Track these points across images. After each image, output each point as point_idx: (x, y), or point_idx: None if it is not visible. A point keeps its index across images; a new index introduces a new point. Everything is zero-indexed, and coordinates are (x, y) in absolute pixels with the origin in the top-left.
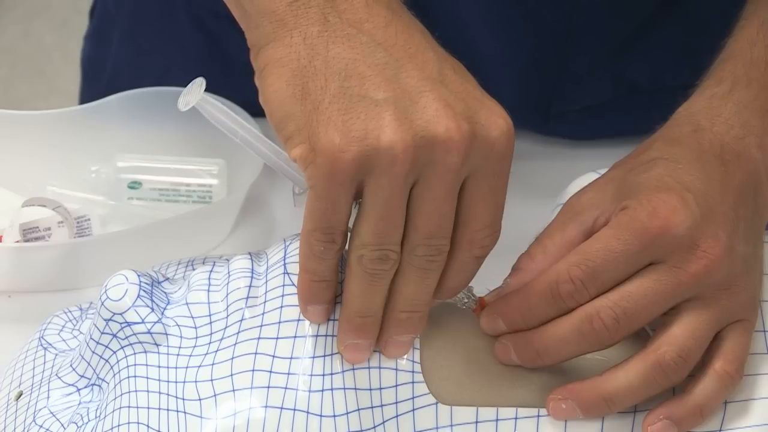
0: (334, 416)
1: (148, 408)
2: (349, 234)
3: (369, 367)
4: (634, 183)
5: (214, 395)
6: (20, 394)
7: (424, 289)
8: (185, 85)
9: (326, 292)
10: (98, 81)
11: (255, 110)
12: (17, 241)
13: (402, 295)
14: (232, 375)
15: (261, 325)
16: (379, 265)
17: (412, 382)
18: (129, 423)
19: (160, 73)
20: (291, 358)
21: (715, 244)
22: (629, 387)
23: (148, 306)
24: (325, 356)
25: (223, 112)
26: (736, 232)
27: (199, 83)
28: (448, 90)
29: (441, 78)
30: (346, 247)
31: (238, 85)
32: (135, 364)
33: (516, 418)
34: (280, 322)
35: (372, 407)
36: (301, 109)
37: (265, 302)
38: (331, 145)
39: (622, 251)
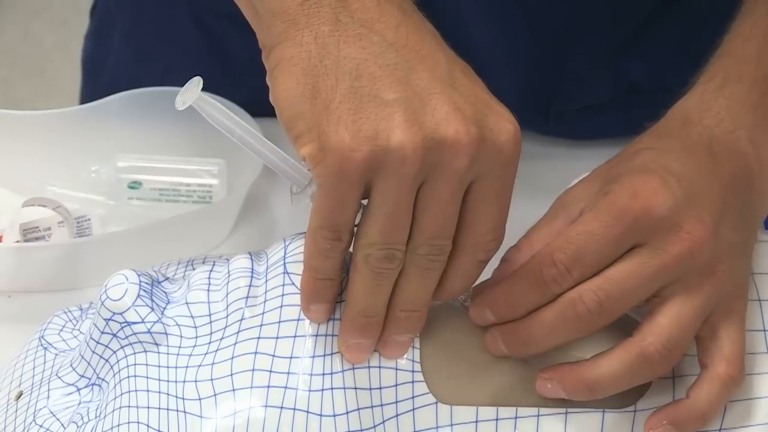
0: (334, 416)
1: (148, 407)
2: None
3: (369, 367)
4: (618, 171)
5: (214, 395)
6: (20, 394)
7: (425, 289)
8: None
9: (329, 290)
10: (99, 80)
11: (255, 110)
12: (17, 241)
13: (403, 293)
14: (232, 374)
15: (261, 325)
16: (386, 264)
17: (412, 382)
18: (129, 422)
19: (161, 73)
20: (291, 357)
21: (699, 225)
22: (612, 375)
23: (148, 305)
24: (324, 355)
25: (220, 111)
26: (724, 219)
27: (197, 82)
28: (458, 93)
29: (451, 80)
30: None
31: (238, 85)
32: (135, 364)
33: (516, 418)
34: (280, 322)
35: (372, 407)
36: (311, 108)
37: (265, 302)
38: (341, 145)
39: (604, 233)
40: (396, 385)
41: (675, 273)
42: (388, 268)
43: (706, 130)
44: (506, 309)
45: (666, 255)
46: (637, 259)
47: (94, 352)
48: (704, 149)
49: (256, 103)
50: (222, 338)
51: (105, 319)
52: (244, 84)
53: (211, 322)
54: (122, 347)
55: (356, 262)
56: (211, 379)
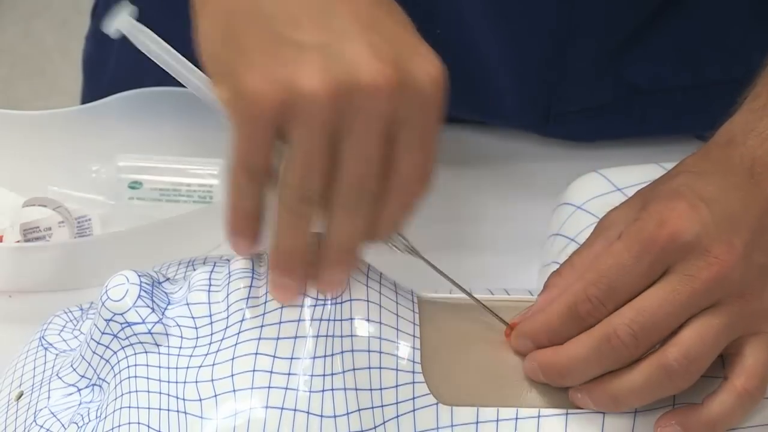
0: (335, 417)
1: (149, 408)
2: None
3: (369, 368)
4: (652, 195)
5: (215, 395)
6: (21, 395)
7: (354, 230)
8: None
9: (249, 226)
10: (100, 81)
11: None
12: (18, 241)
13: (331, 235)
14: (232, 375)
15: (261, 326)
16: (301, 205)
17: (413, 383)
18: (129, 423)
19: (162, 73)
20: (291, 358)
21: (728, 250)
22: (634, 387)
23: (148, 306)
24: (325, 356)
25: (152, 39)
26: (757, 242)
27: (125, 5)
28: (379, 35)
29: (371, 22)
30: None
31: None
32: (135, 365)
33: (516, 419)
34: (280, 323)
35: (372, 407)
36: (226, 50)
37: (265, 302)
38: (253, 90)
39: (634, 265)
40: (396, 386)
41: (706, 299)
42: (304, 208)
43: (748, 151)
44: (546, 342)
45: (696, 281)
46: (668, 287)
47: (94, 352)
48: (745, 171)
49: None
50: (223, 339)
51: (105, 320)
52: None
53: (211, 323)
54: (123, 348)
55: (277, 200)
56: (212, 380)
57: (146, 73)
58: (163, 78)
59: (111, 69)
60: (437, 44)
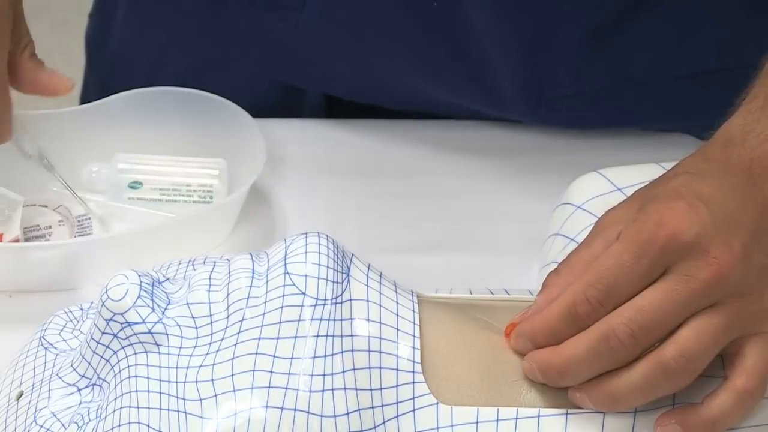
0: (335, 416)
1: (149, 408)
2: None
3: (369, 367)
4: (651, 195)
5: (215, 395)
6: (21, 394)
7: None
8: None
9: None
10: (102, 57)
11: (255, 110)
12: (18, 241)
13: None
14: (232, 375)
15: (262, 325)
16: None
17: (413, 383)
18: (130, 423)
19: (163, 45)
20: (291, 358)
21: (727, 251)
22: (631, 386)
23: (148, 306)
24: (325, 356)
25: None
26: (756, 243)
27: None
28: None
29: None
30: None
31: (239, 85)
32: (136, 364)
33: (516, 419)
34: (280, 323)
35: (372, 407)
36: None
37: (266, 302)
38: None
39: (633, 265)
40: (396, 386)
41: (705, 299)
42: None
43: (747, 152)
44: (545, 343)
45: (694, 281)
46: (666, 287)
47: (94, 352)
48: (743, 172)
49: (255, 99)
50: (223, 339)
51: (106, 320)
52: (245, 85)
53: (212, 322)
54: (123, 348)
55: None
56: (212, 380)
57: (146, 47)
58: (164, 51)
59: (113, 44)
60: (433, 18)
